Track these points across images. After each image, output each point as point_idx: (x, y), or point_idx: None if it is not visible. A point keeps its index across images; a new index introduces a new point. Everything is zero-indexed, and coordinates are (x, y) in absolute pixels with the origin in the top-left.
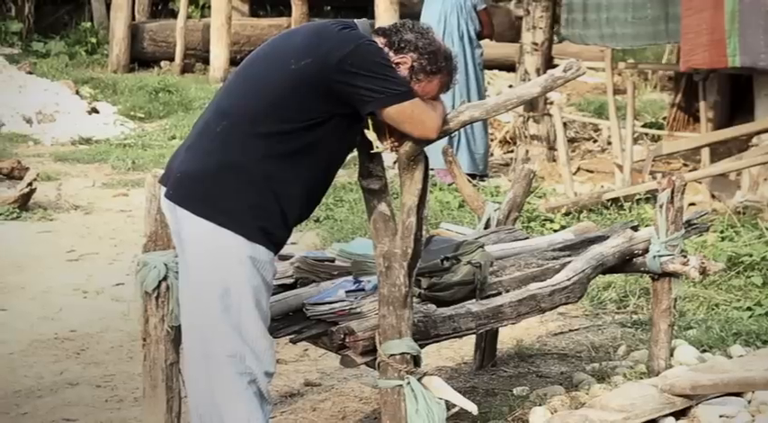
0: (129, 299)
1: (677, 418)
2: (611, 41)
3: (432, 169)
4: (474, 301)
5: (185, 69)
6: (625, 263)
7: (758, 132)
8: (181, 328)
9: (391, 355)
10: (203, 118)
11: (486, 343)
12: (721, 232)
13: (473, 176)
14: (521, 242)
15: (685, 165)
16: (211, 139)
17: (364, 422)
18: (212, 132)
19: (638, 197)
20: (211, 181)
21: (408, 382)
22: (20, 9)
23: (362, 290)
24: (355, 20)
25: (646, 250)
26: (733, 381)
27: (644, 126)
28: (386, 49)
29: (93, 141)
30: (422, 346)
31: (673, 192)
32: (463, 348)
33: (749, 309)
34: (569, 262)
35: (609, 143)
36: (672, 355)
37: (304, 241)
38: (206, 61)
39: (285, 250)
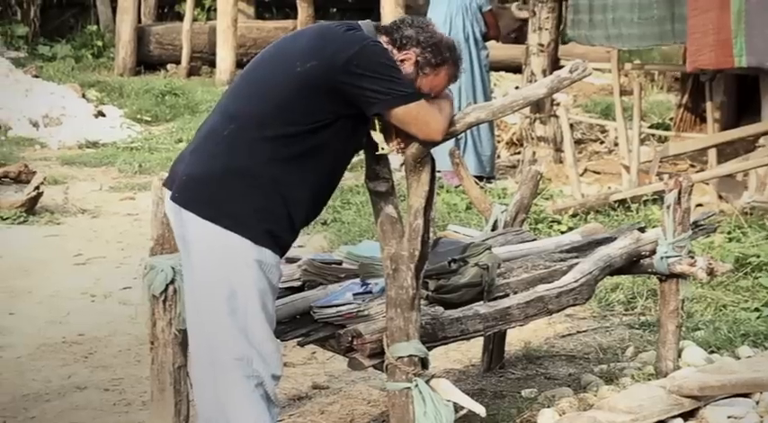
0: (136, 302)
1: (685, 420)
2: (617, 42)
3: (438, 171)
4: (481, 303)
5: (191, 72)
6: (632, 264)
7: (765, 133)
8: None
9: (399, 357)
10: (209, 121)
11: (494, 345)
12: (729, 233)
13: (480, 178)
14: (528, 244)
15: (692, 166)
16: (218, 143)
17: None
18: (219, 136)
19: (645, 198)
20: (218, 184)
21: (416, 385)
22: (25, 13)
23: (370, 292)
24: (359, 21)
25: (653, 251)
26: (741, 382)
27: (651, 127)
28: (389, 47)
29: (100, 145)
30: (429, 349)
31: (680, 193)
32: (471, 350)
33: (757, 310)
34: (577, 263)
35: (616, 144)
36: (680, 356)
37: (311, 244)
38: (212, 64)
39: (292, 253)
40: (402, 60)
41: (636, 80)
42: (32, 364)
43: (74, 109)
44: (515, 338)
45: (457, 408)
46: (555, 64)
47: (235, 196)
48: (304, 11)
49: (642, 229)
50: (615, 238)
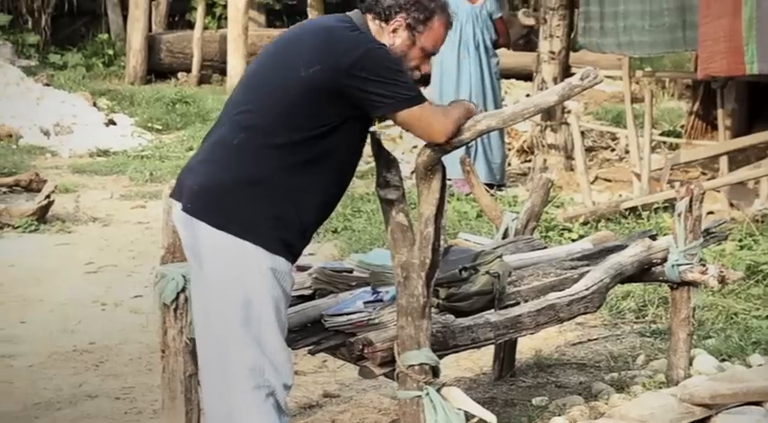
0: (147, 311)
1: None
2: (628, 50)
3: (449, 179)
4: (492, 311)
5: (202, 80)
6: (644, 272)
7: None
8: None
9: (410, 365)
10: (216, 131)
11: (505, 353)
12: (740, 241)
13: (490, 186)
14: (539, 252)
15: (703, 173)
16: (227, 152)
17: None
18: (228, 145)
19: (656, 206)
20: (230, 193)
21: (427, 393)
22: (37, 21)
23: (381, 300)
24: (347, 13)
25: (664, 259)
26: (752, 390)
27: (662, 134)
28: (377, 22)
29: (111, 153)
30: (440, 357)
31: (691, 200)
32: (482, 359)
33: None
34: (588, 271)
35: (627, 152)
36: (691, 364)
37: (322, 252)
38: (223, 72)
39: (303, 261)
40: (394, 30)
41: (647, 87)
42: (44, 373)
43: (85, 117)
44: (526, 346)
45: (468, 416)
46: (566, 71)
47: (247, 205)
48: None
49: (653, 237)
50: (626, 246)
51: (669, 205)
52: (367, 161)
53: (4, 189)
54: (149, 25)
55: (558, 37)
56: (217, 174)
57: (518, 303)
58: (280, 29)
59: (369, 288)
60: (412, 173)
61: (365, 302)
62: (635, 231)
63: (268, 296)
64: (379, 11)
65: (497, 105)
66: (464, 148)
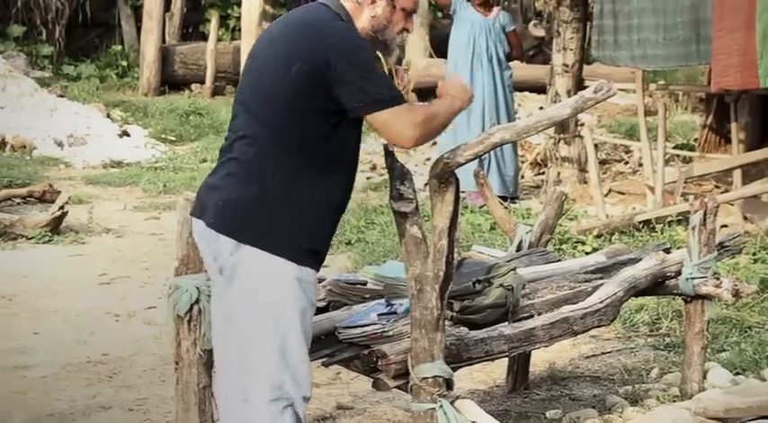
0: (161, 322)
1: None
2: (642, 63)
3: (463, 191)
4: (506, 323)
5: (216, 92)
6: (657, 285)
7: None
8: (213, 353)
9: (424, 378)
10: (230, 147)
11: (519, 366)
12: (754, 254)
13: (504, 199)
14: (553, 265)
15: (717, 186)
16: (245, 168)
17: None
18: (244, 161)
19: (669, 219)
20: (254, 208)
21: (441, 406)
22: (50, 33)
23: (394, 313)
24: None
25: (678, 272)
26: (767, 403)
27: (675, 147)
28: (357, 4)
29: (125, 164)
30: (454, 369)
31: (705, 213)
32: (495, 371)
33: None
34: (601, 284)
35: (640, 165)
36: (705, 377)
37: (336, 264)
38: (236, 84)
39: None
40: (372, 2)
41: (660, 101)
42: (57, 384)
43: (98, 129)
44: (540, 359)
45: None
46: (579, 84)
47: (272, 218)
48: None
49: (667, 250)
50: (640, 259)
51: (683, 218)
52: (381, 173)
53: (17, 200)
54: (163, 37)
55: (571, 50)
56: (239, 189)
57: (532, 316)
58: None
59: (383, 300)
60: (425, 185)
61: (379, 315)
62: (649, 244)
63: (295, 307)
64: None
65: (510, 118)
66: (477, 160)
